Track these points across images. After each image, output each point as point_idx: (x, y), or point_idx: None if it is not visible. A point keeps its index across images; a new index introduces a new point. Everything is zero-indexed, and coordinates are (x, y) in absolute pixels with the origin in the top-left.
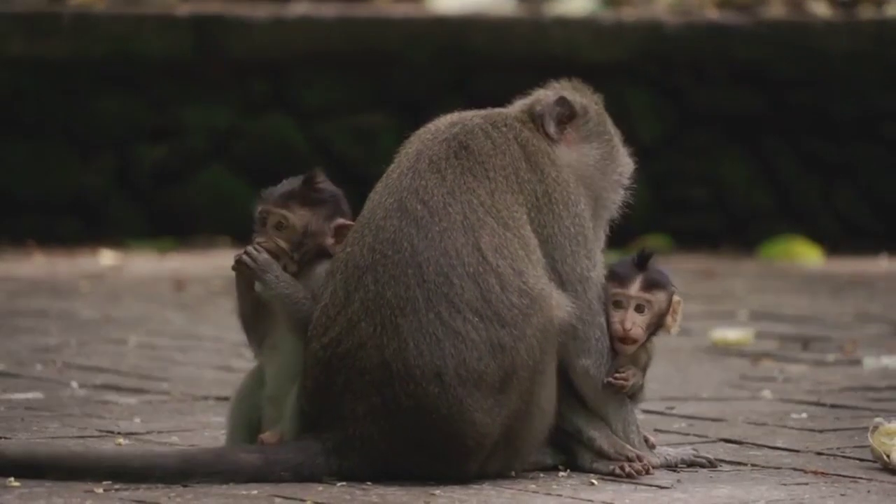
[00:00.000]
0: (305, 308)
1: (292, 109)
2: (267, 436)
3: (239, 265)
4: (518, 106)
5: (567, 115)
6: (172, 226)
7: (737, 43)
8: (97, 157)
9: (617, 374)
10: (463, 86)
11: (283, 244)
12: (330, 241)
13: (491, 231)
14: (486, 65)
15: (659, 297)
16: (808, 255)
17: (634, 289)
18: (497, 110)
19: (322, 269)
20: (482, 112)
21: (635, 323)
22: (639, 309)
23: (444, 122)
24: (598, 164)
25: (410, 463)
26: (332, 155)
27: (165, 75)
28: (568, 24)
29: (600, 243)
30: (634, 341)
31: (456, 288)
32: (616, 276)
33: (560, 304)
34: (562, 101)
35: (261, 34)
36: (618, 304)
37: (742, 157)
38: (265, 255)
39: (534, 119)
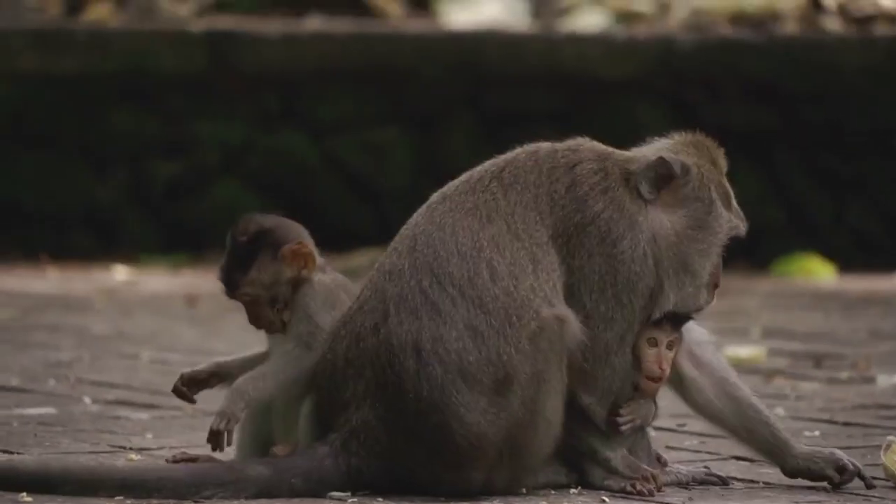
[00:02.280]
0: (267, 386)
1: (305, 124)
2: (279, 449)
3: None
4: (622, 155)
5: (666, 176)
6: (185, 241)
7: (750, 59)
8: (111, 171)
9: (620, 417)
10: (476, 101)
11: (265, 313)
12: (288, 272)
13: (499, 232)
14: (499, 81)
15: (682, 333)
16: (820, 272)
17: (667, 328)
18: (590, 143)
19: (305, 292)
20: (569, 141)
21: (669, 361)
22: (669, 346)
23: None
24: (683, 232)
25: (410, 462)
26: (344, 170)
27: (179, 90)
28: (581, 41)
29: (663, 302)
30: (662, 379)
31: (441, 261)
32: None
33: (571, 322)
34: (661, 162)
35: (274, 50)
36: (651, 343)
37: (754, 173)
38: (225, 425)
39: (629, 176)
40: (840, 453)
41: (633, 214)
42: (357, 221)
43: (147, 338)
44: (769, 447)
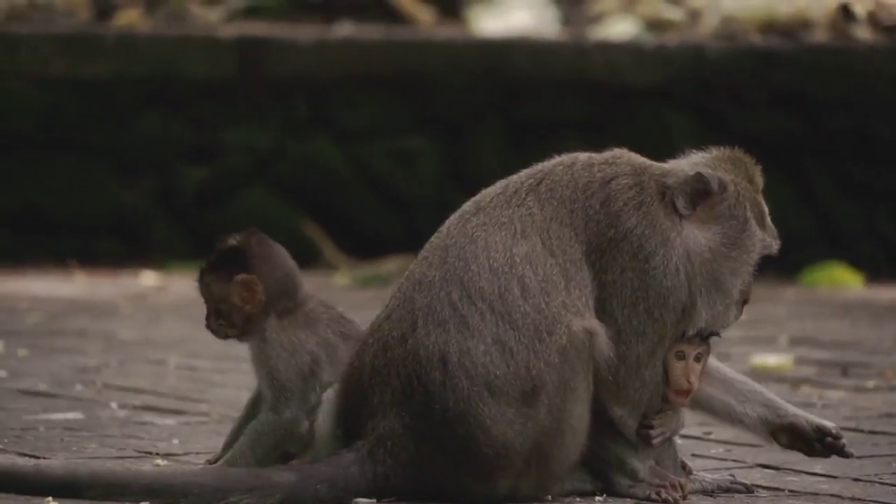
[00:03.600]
0: (264, 440)
1: (334, 131)
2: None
3: None
4: (659, 168)
5: (702, 192)
6: (213, 247)
7: (779, 67)
8: (139, 177)
9: (652, 430)
10: (504, 109)
11: (210, 317)
12: (237, 299)
13: (532, 248)
14: (527, 88)
15: (708, 344)
16: (848, 281)
17: (695, 341)
18: (628, 155)
19: (262, 347)
20: (606, 152)
21: (696, 374)
22: (697, 359)
23: (558, 156)
24: (717, 249)
25: (437, 471)
26: (372, 177)
27: (208, 96)
28: (610, 48)
29: (696, 319)
30: (691, 392)
31: (472, 274)
32: None
33: (600, 335)
34: (698, 177)
35: (304, 56)
36: (679, 357)
37: (783, 181)
38: None
39: (665, 190)
40: (829, 424)
41: (667, 231)
42: (385, 228)
43: (174, 343)
44: (764, 412)
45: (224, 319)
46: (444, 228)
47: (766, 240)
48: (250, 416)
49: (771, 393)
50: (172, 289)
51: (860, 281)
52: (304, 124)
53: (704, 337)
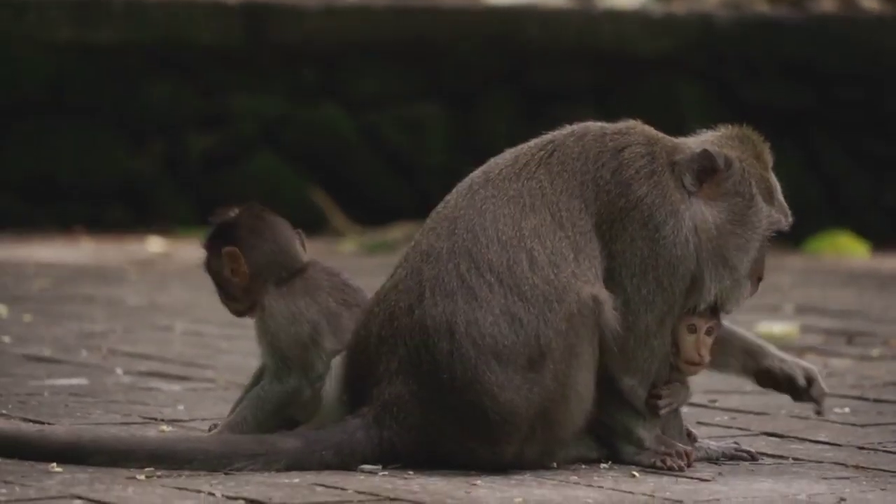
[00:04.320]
0: (265, 407)
1: (343, 98)
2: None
3: None
4: (670, 142)
5: (709, 169)
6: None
7: (787, 37)
8: (147, 143)
9: (660, 400)
10: (514, 77)
11: (218, 291)
12: (226, 271)
13: (541, 221)
14: (536, 56)
15: (719, 318)
16: (854, 250)
17: (706, 314)
18: (641, 127)
19: (261, 317)
20: (620, 123)
21: (707, 347)
22: (708, 332)
23: (568, 126)
24: (722, 226)
25: (443, 436)
26: (381, 144)
27: (216, 63)
28: (619, 17)
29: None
30: (702, 365)
31: (481, 246)
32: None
33: (606, 303)
34: (705, 154)
35: (312, 22)
36: (691, 330)
37: (790, 151)
38: None
39: (674, 166)
40: (813, 370)
41: (677, 203)
42: (393, 196)
43: (181, 310)
44: (746, 350)
45: (226, 294)
46: (451, 199)
47: (773, 216)
48: (256, 385)
49: (752, 336)
50: (179, 255)
51: (866, 250)
52: (312, 91)
53: (715, 310)
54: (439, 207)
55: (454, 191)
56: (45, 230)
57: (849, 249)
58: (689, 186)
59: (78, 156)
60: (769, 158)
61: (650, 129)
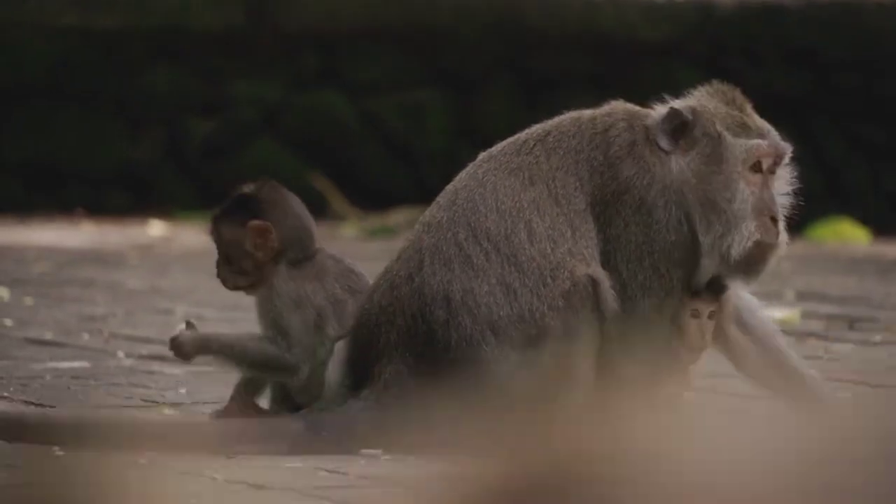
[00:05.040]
0: (250, 348)
1: (343, 84)
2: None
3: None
4: (645, 112)
5: (679, 125)
6: (221, 198)
7: (789, 24)
8: (147, 129)
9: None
10: (514, 63)
11: (220, 265)
12: (249, 246)
13: (539, 195)
14: (537, 41)
15: (721, 302)
16: (855, 236)
17: (708, 299)
18: (624, 105)
19: (269, 295)
20: (607, 105)
21: (711, 332)
22: (710, 316)
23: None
24: (699, 170)
25: (442, 416)
26: (381, 130)
27: (216, 49)
28: (620, 3)
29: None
30: (705, 350)
31: (479, 215)
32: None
33: (604, 284)
34: (672, 113)
35: (312, 8)
36: (694, 315)
37: (791, 137)
38: (182, 340)
39: (647, 132)
40: None
41: (662, 176)
42: (393, 181)
43: (181, 293)
44: (799, 398)
45: (235, 268)
46: (456, 177)
47: (748, 143)
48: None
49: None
50: (180, 239)
51: (867, 237)
52: (313, 77)
53: (717, 293)
54: (447, 185)
55: (462, 172)
56: (47, 214)
57: (849, 236)
58: (665, 147)
59: (79, 141)
60: (744, 100)
61: (631, 106)
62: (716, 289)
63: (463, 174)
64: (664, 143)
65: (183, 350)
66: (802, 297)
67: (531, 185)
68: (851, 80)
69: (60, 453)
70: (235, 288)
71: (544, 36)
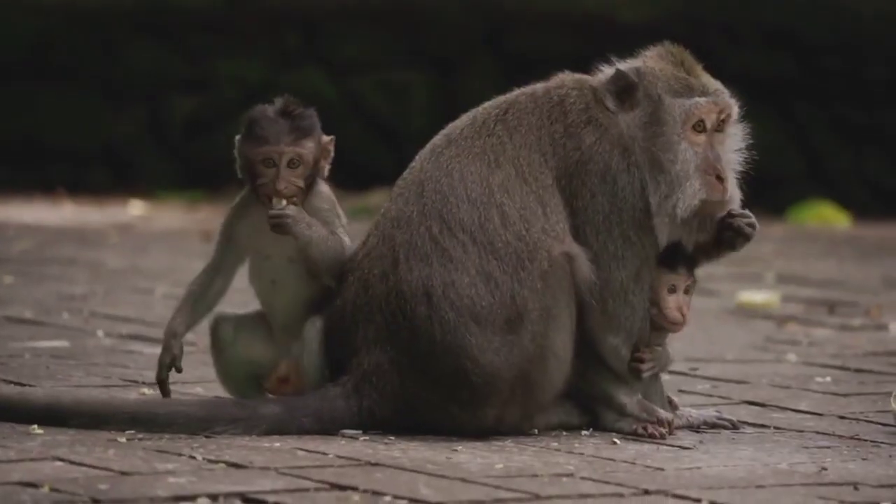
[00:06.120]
0: (333, 245)
1: (325, 63)
2: (283, 368)
3: (278, 225)
4: (594, 78)
5: (625, 86)
6: (202, 177)
7: (768, 6)
8: (129, 107)
9: (643, 364)
10: (496, 43)
11: (298, 182)
12: (324, 162)
13: (507, 175)
14: (520, 22)
15: (695, 276)
16: (836, 220)
17: (684, 273)
18: (573, 76)
19: (317, 193)
20: (556, 77)
21: (688, 305)
22: (686, 291)
23: (518, 89)
24: (643, 129)
25: (424, 403)
26: (363, 110)
27: (199, 27)
28: None
29: (677, 207)
30: (684, 324)
31: (451, 206)
32: (664, 262)
33: (580, 259)
34: (617, 75)
35: None
36: (671, 290)
37: (772, 120)
38: (293, 208)
39: (595, 94)
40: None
41: (618, 136)
42: (375, 161)
43: (162, 273)
44: None
45: (298, 179)
46: (416, 164)
47: (686, 103)
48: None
49: None
50: (160, 218)
51: (847, 220)
52: (295, 56)
53: (691, 267)
54: (405, 174)
55: (418, 157)
56: (28, 192)
57: (830, 219)
58: (611, 107)
59: (60, 119)
60: (693, 62)
61: (577, 75)
62: (691, 263)
63: (424, 162)
64: (610, 103)
65: (286, 221)
66: (783, 280)
67: (497, 167)
68: (833, 62)
69: (39, 431)
70: (291, 196)
71: (526, 16)
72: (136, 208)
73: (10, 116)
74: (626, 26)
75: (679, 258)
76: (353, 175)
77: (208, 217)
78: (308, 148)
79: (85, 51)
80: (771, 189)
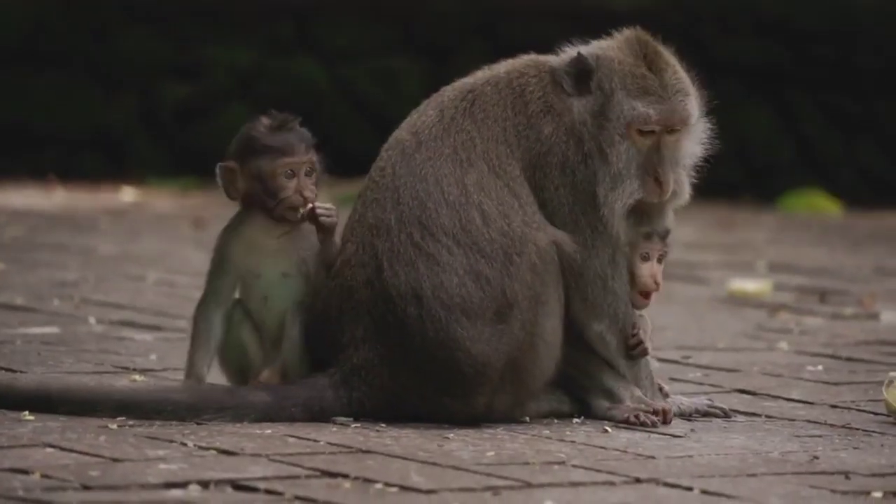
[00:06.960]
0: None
1: (317, 50)
2: (266, 375)
3: (332, 224)
4: (554, 59)
5: (582, 70)
6: (194, 164)
7: None
8: (121, 93)
9: (636, 342)
10: (489, 32)
11: (315, 190)
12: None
13: (480, 173)
14: (513, 10)
15: (670, 246)
16: (827, 208)
17: (657, 241)
18: (534, 59)
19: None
20: (518, 60)
21: (661, 274)
22: (659, 260)
23: (479, 71)
24: (592, 114)
25: (415, 394)
26: (355, 97)
27: (191, 14)
28: None
29: (616, 203)
30: (657, 292)
31: (430, 212)
32: (638, 231)
33: (565, 244)
34: (577, 59)
35: None
36: (644, 258)
37: (764, 108)
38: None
39: (553, 75)
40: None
41: (571, 122)
42: (366, 148)
43: (153, 259)
44: None
45: (314, 186)
46: (386, 166)
47: (636, 109)
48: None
49: None
50: (152, 205)
51: (839, 208)
52: (288, 43)
53: (664, 236)
54: (376, 176)
55: (385, 155)
56: (19, 178)
57: (822, 207)
58: (569, 90)
59: (52, 105)
60: (657, 54)
61: (542, 58)
62: (663, 232)
63: (396, 165)
64: (567, 85)
65: (336, 221)
66: (774, 268)
67: (470, 166)
68: (825, 50)
69: (30, 418)
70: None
71: (518, 4)
72: (127, 195)
73: (1, 102)
74: (619, 14)
75: (653, 227)
76: (344, 162)
77: (200, 203)
78: (315, 156)
79: (77, 37)
80: (763, 177)
